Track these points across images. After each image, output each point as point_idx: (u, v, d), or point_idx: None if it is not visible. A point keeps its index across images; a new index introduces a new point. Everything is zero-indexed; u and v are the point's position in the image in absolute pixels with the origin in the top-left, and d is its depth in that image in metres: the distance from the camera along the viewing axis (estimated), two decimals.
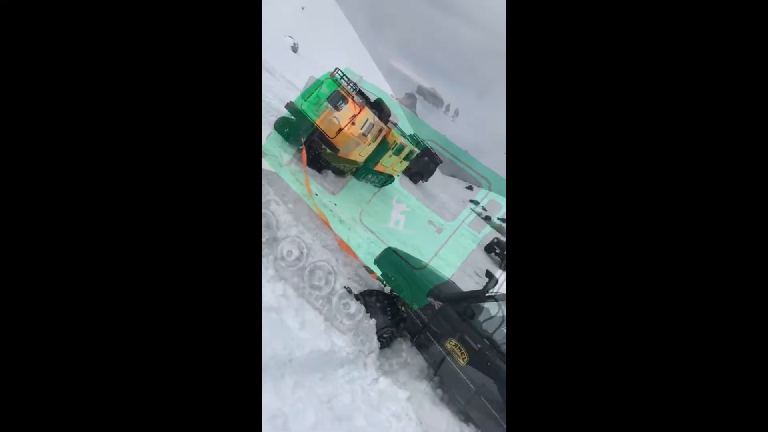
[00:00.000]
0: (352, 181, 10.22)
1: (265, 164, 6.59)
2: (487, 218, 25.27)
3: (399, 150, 11.19)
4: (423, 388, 3.89)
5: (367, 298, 4.25)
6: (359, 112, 8.18)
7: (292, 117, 8.39)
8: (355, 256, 5.16)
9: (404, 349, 4.24)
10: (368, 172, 10.71)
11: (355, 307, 4.04)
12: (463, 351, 3.68)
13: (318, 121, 8.05)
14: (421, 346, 4.00)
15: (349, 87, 8.26)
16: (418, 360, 4.12)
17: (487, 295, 3.79)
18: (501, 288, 3.89)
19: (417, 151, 12.67)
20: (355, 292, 4.34)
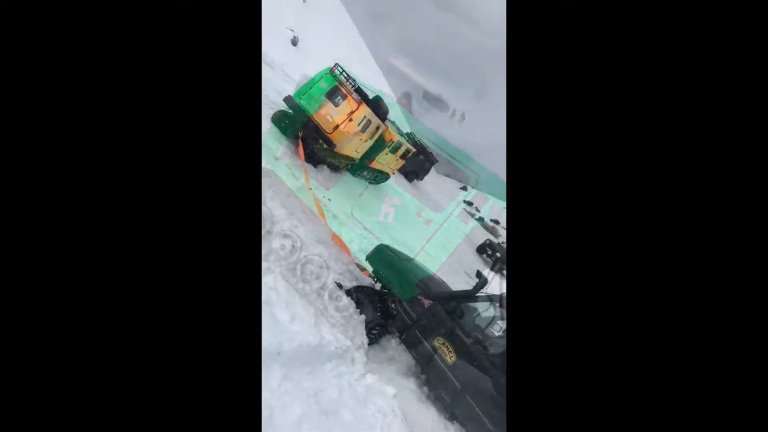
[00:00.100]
0: (347, 177, 10.21)
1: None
2: (480, 219, 25.37)
3: (395, 148, 11.19)
4: (410, 385, 3.92)
5: (357, 294, 4.27)
6: (357, 109, 8.17)
7: (290, 111, 8.36)
8: (349, 253, 5.17)
9: (393, 346, 4.27)
10: (364, 168, 10.71)
11: (346, 302, 4.06)
12: (450, 350, 3.72)
13: (315, 116, 8.03)
14: (409, 344, 4.04)
15: (348, 83, 8.25)
16: (405, 357, 4.15)
17: (478, 294, 3.82)
18: (495, 289, 3.93)
19: (413, 149, 12.68)
20: (346, 288, 4.35)
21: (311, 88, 8.19)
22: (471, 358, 3.60)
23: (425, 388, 3.99)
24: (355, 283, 4.56)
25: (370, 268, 4.67)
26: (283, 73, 13.03)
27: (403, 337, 4.10)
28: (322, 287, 4.05)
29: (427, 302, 4.03)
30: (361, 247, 6.00)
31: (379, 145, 10.18)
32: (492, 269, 14.89)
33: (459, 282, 7.74)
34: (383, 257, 4.60)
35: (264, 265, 3.60)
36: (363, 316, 4.03)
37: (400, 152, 11.67)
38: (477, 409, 3.49)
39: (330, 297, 3.98)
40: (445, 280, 4.90)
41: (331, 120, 8.08)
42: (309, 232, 4.79)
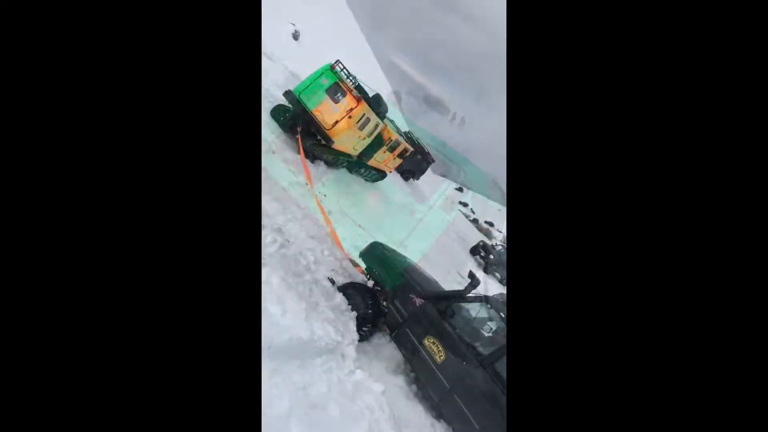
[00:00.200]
0: (342, 173, 10.20)
1: None
2: (475, 221, 25.45)
3: (393, 147, 11.20)
4: (398, 382, 3.94)
5: (349, 290, 4.29)
6: (356, 106, 8.17)
7: (289, 105, 8.34)
8: (342, 249, 5.18)
9: (383, 344, 4.29)
10: (361, 166, 10.71)
11: (338, 298, 4.07)
12: (440, 349, 3.74)
13: (314, 112, 8.02)
14: (399, 342, 4.06)
15: (348, 80, 8.24)
16: (395, 355, 4.17)
17: (469, 295, 3.85)
18: (492, 291, 3.97)
19: (411, 149, 12.69)
20: (339, 284, 4.36)
21: (311, 83, 8.17)
22: (460, 358, 3.62)
23: (414, 386, 4.01)
24: (347, 280, 4.57)
25: (363, 265, 4.68)
26: (282, 67, 12.97)
27: (393, 334, 4.12)
28: (315, 282, 4.06)
29: (419, 301, 4.05)
30: (354, 243, 6.01)
31: (377, 143, 10.18)
32: (485, 271, 14.96)
33: (451, 282, 7.77)
34: (377, 254, 4.62)
35: None
36: (354, 313, 4.05)
37: (398, 151, 11.69)
38: (464, 408, 3.51)
39: (322, 292, 3.98)
40: (438, 281, 4.92)
41: (330, 116, 8.08)
42: (302, 227, 4.79)
